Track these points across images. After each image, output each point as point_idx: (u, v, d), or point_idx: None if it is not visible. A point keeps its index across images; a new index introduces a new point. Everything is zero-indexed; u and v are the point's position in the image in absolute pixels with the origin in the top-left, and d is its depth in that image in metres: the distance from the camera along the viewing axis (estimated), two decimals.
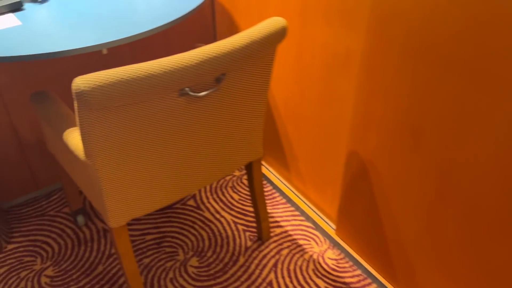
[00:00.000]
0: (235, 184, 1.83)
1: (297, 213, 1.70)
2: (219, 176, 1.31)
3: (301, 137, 1.59)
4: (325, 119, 1.43)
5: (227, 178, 1.86)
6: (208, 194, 1.78)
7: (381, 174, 1.27)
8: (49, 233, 1.61)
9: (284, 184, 1.79)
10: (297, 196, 1.73)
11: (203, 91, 1.02)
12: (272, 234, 1.61)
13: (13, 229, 1.62)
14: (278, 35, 1.08)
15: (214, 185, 1.82)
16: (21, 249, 1.55)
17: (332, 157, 1.48)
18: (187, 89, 0.99)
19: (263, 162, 1.89)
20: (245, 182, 1.84)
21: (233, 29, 1.73)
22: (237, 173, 1.89)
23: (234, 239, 1.59)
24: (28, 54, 1.01)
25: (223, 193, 1.78)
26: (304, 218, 1.68)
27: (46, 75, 1.54)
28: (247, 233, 1.61)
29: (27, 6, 1.27)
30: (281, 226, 1.64)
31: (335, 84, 1.34)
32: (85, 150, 1.00)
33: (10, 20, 1.18)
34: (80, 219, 1.62)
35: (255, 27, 1.05)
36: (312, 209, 1.67)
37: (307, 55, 1.40)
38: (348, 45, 1.24)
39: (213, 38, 1.89)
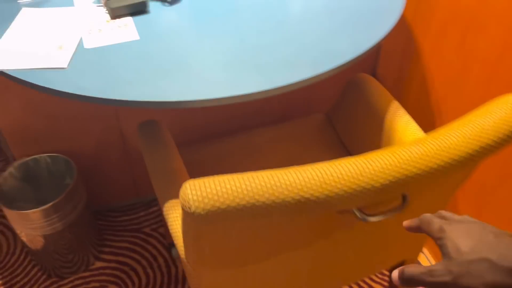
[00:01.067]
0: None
1: None
2: (357, 280, 0.95)
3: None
4: None
5: None
6: None
7: None
8: (140, 258, 1.40)
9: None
10: None
11: (377, 215, 0.63)
12: None
13: (104, 241, 1.44)
14: None
15: None
16: (108, 271, 1.37)
17: None
18: (354, 209, 0.62)
19: None
20: None
21: (408, 49, 1.27)
22: None
23: None
24: (133, 100, 0.71)
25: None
26: None
27: None
28: None
29: (152, 7, 0.96)
30: None
31: None
32: (186, 254, 0.70)
33: (126, 30, 0.88)
34: (175, 251, 1.38)
35: (478, 120, 0.62)
36: None
37: None
38: None
39: (373, 67, 1.45)
